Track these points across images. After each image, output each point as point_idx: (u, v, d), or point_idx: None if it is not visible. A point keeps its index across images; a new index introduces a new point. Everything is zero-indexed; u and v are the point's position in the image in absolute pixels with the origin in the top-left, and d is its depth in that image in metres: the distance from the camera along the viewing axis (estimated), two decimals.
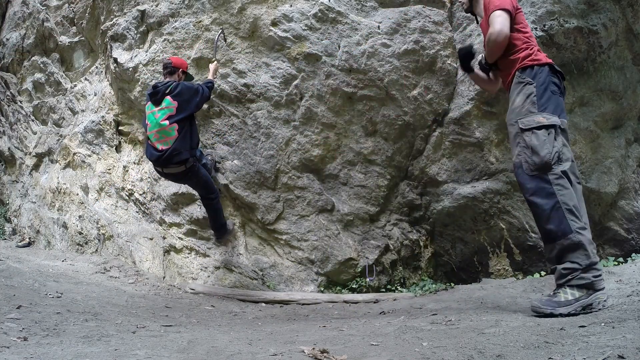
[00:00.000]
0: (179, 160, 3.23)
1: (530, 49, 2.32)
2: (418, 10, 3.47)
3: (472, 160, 3.54)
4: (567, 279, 2.00)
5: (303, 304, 3.40)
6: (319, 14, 3.52)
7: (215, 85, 3.65)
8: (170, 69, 3.37)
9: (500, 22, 2.26)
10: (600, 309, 1.98)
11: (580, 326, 1.60)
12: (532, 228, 3.43)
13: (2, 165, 6.43)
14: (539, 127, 2.15)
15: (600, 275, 2.00)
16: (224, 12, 3.74)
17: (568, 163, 2.18)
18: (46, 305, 2.33)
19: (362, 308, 3.18)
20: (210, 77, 3.53)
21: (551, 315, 1.94)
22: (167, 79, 3.37)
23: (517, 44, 2.33)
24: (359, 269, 3.67)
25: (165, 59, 3.47)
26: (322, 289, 3.69)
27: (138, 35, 4.13)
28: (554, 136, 2.16)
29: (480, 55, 2.61)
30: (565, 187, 2.08)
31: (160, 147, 3.23)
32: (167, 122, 3.20)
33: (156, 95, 3.26)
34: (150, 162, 3.43)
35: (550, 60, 2.31)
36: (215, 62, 3.62)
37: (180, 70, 3.42)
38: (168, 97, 3.23)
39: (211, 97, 3.55)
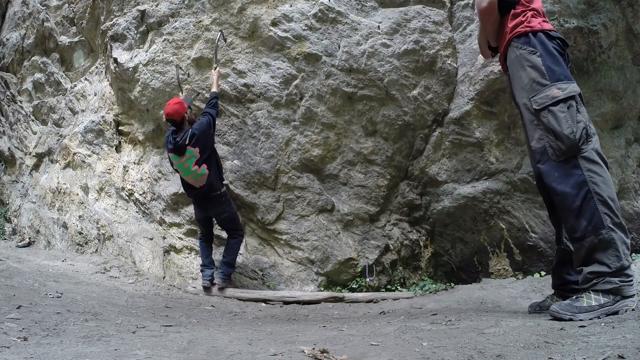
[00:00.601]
0: (216, 189, 3.52)
1: (524, 16, 2.02)
2: (418, 10, 3.47)
3: (472, 160, 3.54)
4: (592, 283, 1.76)
5: (303, 304, 3.40)
6: (319, 14, 3.52)
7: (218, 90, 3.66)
8: (178, 123, 3.45)
9: None
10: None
11: (580, 326, 1.60)
12: (532, 228, 3.43)
13: (2, 165, 6.43)
14: (555, 103, 1.85)
15: (630, 281, 1.74)
16: (224, 12, 3.74)
17: (596, 137, 1.87)
18: (46, 305, 2.33)
19: (362, 308, 3.17)
20: (214, 88, 3.57)
21: (570, 321, 1.70)
22: (181, 132, 3.45)
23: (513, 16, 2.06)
24: (359, 269, 3.67)
25: (166, 117, 3.45)
26: (322, 288, 3.69)
27: (138, 35, 4.13)
28: (575, 109, 1.85)
29: None
30: (598, 174, 1.78)
31: (198, 185, 3.48)
32: (197, 167, 3.42)
33: (178, 150, 3.41)
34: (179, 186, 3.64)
35: (547, 26, 2.02)
36: (218, 69, 3.63)
37: (185, 113, 3.48)
38: (189, 147, 3.39)
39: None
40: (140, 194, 4.42)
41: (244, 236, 3.78)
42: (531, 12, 2.03)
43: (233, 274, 3.88)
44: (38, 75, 5.52)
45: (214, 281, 3.65)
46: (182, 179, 3.61)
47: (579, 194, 1.79)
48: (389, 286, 3.74)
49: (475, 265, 3.72)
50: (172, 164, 3.57)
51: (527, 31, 1.99)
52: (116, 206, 4.67)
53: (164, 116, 3.52)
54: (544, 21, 2.05)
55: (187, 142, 3.37)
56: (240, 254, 3.95)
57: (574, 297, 1.81)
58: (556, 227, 2.16)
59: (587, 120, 1.87)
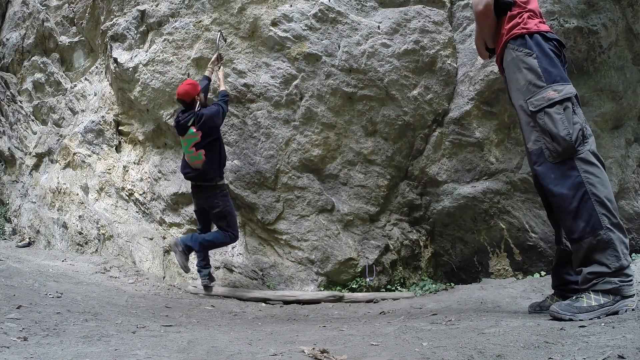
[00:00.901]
0: (208, 178, 3.45)
1: (520, 17, 2.01)
2: (418, 10, 3.47)
3: (472, 160, 3.54)
4: (592, 284, 1.76)
5: (303, 304, 3.40)
6: (319, 14, 3.52)
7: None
8: (188, 104, 3.40)
9: None
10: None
11: (580, 326, 1.60)
12: (532, 228, 3.43)
13: (2, 165, 6.43)
14: (551, 105, 1.85)
15: (629, 281, 1.74)
16: (224, 12, 3.74)
17: (593, 139, 1.87)
18: (46, 305, 2.33)
19: (362, 308, 3.17)
20: (222, 87, 3.56)
21: (570, 321, 1.70)
22: (186, 112, 3.40)
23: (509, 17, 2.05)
24: (359, 269, 3.67)
25: (178, 97, 3.42)
26: (322, 288, 3.69)
27: (138, 35, 4.13)
28: (571, 110, 1.85)
29: None
30: (595, 175, 1.79)
31: (194, 166, 3.44)
32: (194, 149, 3.37)
33: (180, 129, 3.41)
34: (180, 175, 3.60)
35: (544, 27, 2.01)
36: (222, 68, 3.62)
37: (196, 95, 3.41)
38: (192, 128, 3.35)
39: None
40: (140, 194, 4.42)
41: (235, 240, 3.64)
42: (527, 14, 2.03)
43: (234, 274, 3.88)
44: (38, 75, 5.52)
45: (212, 277, 3.62)
46: (184, 159, 3.55)
47: (576, 196, 1.79)
48: (389, 286, 3.75)
49: (475, 265, 3.72)
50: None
51: (523, 33, 1.99)
52: (116, 206, 4.67)
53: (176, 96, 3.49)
54: (540, 22, 2.05)
55: (189, 122, 3.34)
56: (240, 254, 3.95)
57: (573, 297, 1.81)
58: (555, 228, 2.16)
59: (583, 121, 1.87)
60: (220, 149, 3.53)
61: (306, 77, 3.61)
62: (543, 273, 3.30)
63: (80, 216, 4.96)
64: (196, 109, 3.39)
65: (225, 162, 3.62)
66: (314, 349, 1.53)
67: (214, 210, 3.54)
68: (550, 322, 1.74)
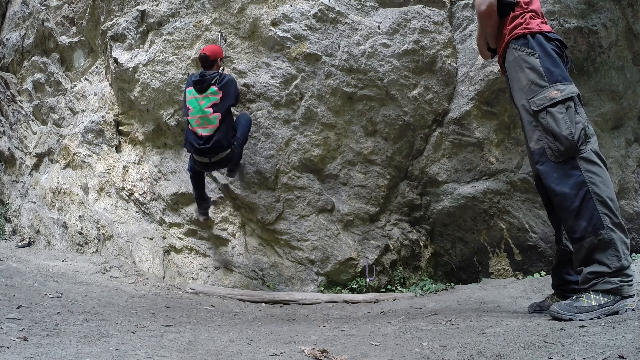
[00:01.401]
0: (223, 149, 3.32)
1: (522, 18, 2.03)
2: (418, 10, 3.47)
3: (472, 160, 3.54)
4: (592, 283, 1.77)
5: (303, 304, 3.40)
6: (319, 14, 3.52)
7: None
8: (209, 62, 3.39)
9: None
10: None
11: (580, 326, 1.60)
12: (532, 228, 3.43)
13: (2, 165, 6.43)
14: (553, 104, 1.86)
15: (630, 281, 1.75)
16: (224, 12, 3.74)
17: (595, 138, 1.89)
18: (46, 305, 2.33)
19: (362, 308, 3.18)
20: None
21: (570, 321, 1.71)
22: (211, 71, 3.39)
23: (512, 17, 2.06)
24: (359, 269, 3.67)
25: (201, 53, 3.42)
26: (322, 289, 3.69)
27: (138, 35, 4.13)
28: (573, 110, 1.86)
29: None
30: (597, 174, 1.80)
31: (200, 133, 3.27)
32: (210, 109, 3.26)
33: (202, 84, 3.29)
34: (190, 154, 3.50)
35: (546, 28, 2.03)
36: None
37: (219, 59, 3.45)
38: (214, 87, 3.27)
39: None
40: (140, 194, 4.42)
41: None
42: (530, 14, 2.04)
43: (233, 274, 3.88)
44: (38, 75, 5.52)
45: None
46: (187, 129, 3.38)
47: (578, 195, 1.80)
48: (389, 286, 3.74)
49: (475, 265, 3.72)
50: (184, 101, 3.39)
51: (525, 33, 2.01)
52: (116, 206, 4.67)
53: (198, 54, 3.47)
54: (542, 22, 2.06)
55: (213, 81, 3.27)
56: (240, 254, 3.94)
57: (573, 297, 1.81)
58: (556, 227, 2.16)
59: (585, 121, 1.88)
60: (231, 120, 3.41)
61: (306, 77, 3.61)
62: (543, 273, 3.30)
63: (80, 216, 4.95)
64: (218, 72, 3.37)
65: (234, 134, 3.45)
66: (314, 349, 1.53)
67: (233, 162, 3.53)
68: (550, 322, 1.74)
